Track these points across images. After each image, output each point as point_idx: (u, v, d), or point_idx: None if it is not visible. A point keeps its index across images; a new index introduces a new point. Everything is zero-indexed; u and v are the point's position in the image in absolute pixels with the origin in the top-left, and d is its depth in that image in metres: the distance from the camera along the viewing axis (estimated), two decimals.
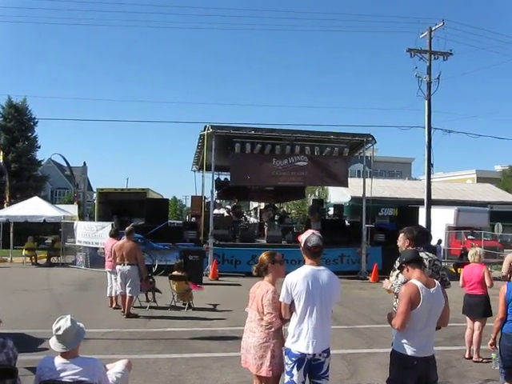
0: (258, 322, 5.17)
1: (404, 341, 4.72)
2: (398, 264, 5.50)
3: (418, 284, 4.71)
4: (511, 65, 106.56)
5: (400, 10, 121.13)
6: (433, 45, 28.28)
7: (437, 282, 4.91)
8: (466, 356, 8.97)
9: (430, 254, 6.14)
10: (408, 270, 4.96)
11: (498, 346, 6.53)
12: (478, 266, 9.17)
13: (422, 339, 4.73)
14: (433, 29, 28.22)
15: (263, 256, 5.39)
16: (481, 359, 8.77)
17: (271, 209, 27.65)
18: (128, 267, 11.92)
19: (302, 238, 4.98)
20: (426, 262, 5.75)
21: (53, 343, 4.28)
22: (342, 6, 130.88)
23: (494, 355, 6.82)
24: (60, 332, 4.23)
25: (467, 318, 9.26)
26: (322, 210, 28.88)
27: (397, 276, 5.80)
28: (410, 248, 5.89)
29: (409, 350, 4.69)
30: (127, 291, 11.88)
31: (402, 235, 6.17)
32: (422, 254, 5.72)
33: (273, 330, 5.05)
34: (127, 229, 12.80)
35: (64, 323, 4.27)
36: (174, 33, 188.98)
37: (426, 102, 27.97)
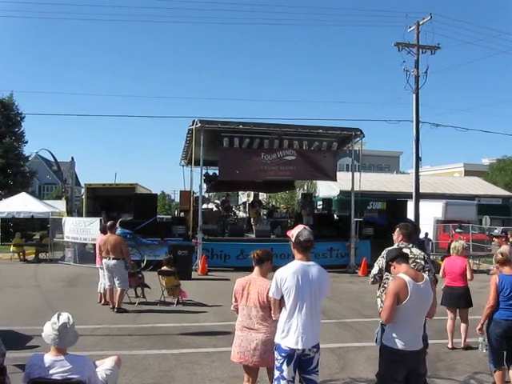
0: (262, 318, 5.19)
1: (393, 335, 4.73)
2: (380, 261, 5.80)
3: (406, 278, 4.72)
4: (498, 58, 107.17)
5: (388, 4, 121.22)
6: (420, 39, 28.35)
7: (425, 276, 4.93)
8: (449, 346, 9.15)
9: (417, 252, 6.20)
10: (395, 267, 4.99)
11: (485, 332, 6.87)
12: (461, 259, 9.37)
13: (411, 333, 4.75)
14: (420, 23, 28.27)
15: (266, 250, 5.54)
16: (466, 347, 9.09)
17: (258, 204, 27.69)
18: (113, 261, 11.96)
19: (293, 232, 4.97)
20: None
21: (50, 337, 4.25)
22: (329, 1, 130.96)
23: (481, 339, 7.05)
24: (63, 328, 4.23)
25: (447, 310, 9.44)
26: (313, 203, 28.94)
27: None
28: (403, 243, 6.10)
29: (398, 344, 4.70)
30: (116, 285, 11.95)
31: (397, 230, 6.38)
32: (405, 251, 5.87)
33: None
34: (109, 223, 12.81)
35: (67, 321, 4.27)
36: (164, 27, 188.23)
37: (414, 95, 28.04)
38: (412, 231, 6.42)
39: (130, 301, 12.74)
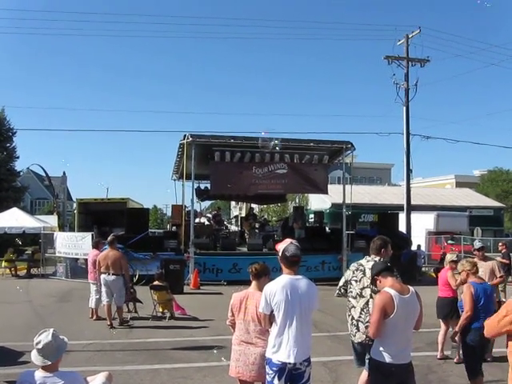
0: (260, 332, 5.19)
1: (381, 348, 4.77)
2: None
3: (392, 292, 4.76)
4: (488, 71, 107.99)
5: (377, 17, 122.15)
6: (410, 52, 28.56)
7: (411, 289, 4.96)
8: (438, 357, 9.15)
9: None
10: (380, 281, 5.02)
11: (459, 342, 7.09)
12: (445, 270, 9.48)
13: (399, 346, 4.78)
14: (409, 36, 28.47)
15: (264, 265, 5.50)
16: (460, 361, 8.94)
17: (252, 218, 27.67)
18: (113, 277, 11.93)
19: (280, 247, 5.00)
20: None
21: (33, 356, 4.25)
22: (319, 15, 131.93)
23: (455, 345, 7.10)
24: (40, 346, 4.20)
25: (441, 322, 9.48)
26: (305, 216, 28.95)
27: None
28: None
29: (387, 358, 4.73)
30: (113, 302, 11.99)
31: None
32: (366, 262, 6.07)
33: None
34: (109, 238, 12.71)
35: (45, 337, 4.24)
36: (155, 42, 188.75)
37: (404, 108, 28.19)
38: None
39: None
